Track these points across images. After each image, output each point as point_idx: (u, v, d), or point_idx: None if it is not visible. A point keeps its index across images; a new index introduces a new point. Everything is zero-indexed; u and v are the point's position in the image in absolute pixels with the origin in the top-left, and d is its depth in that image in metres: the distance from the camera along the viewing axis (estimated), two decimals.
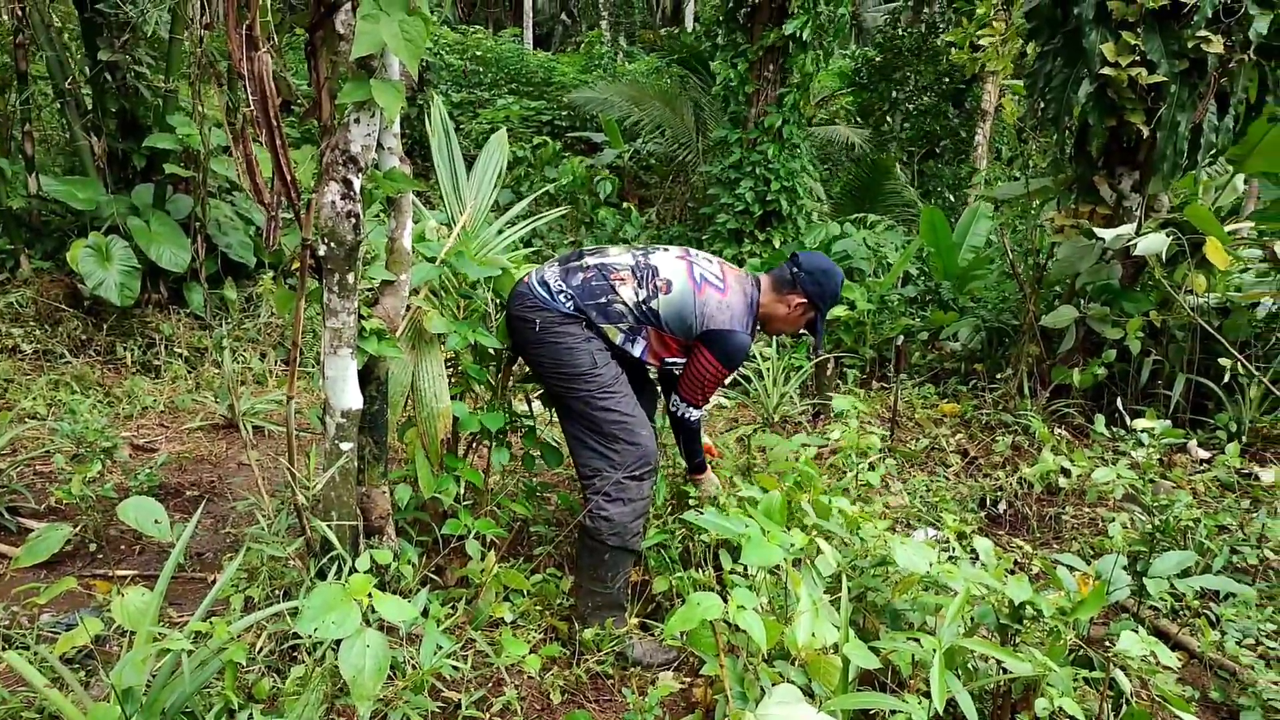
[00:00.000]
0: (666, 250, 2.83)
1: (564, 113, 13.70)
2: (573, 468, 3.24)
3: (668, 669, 2.57)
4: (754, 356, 4.98)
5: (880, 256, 7.17)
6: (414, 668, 2.14)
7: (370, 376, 2.53)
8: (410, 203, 2.58)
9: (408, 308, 2.73)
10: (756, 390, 4.92)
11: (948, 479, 4.03)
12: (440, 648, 2.05)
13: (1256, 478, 3.85)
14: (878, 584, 2.42)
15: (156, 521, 2.20)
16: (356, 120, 2.20)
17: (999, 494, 3.78)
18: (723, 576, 2.47)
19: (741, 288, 2.81)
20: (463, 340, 2.87)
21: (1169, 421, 3.51)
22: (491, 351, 3.08)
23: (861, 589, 2.44)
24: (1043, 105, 4.71)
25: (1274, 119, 4.56)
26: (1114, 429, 3.86)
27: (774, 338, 5.28)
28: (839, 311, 5.54)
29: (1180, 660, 2.77)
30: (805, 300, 2.82)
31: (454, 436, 3.22)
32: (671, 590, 2.71)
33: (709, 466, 3.13)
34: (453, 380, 3.11)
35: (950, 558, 2.66)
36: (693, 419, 2.89)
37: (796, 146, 8.19)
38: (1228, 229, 4.94)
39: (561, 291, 2.70)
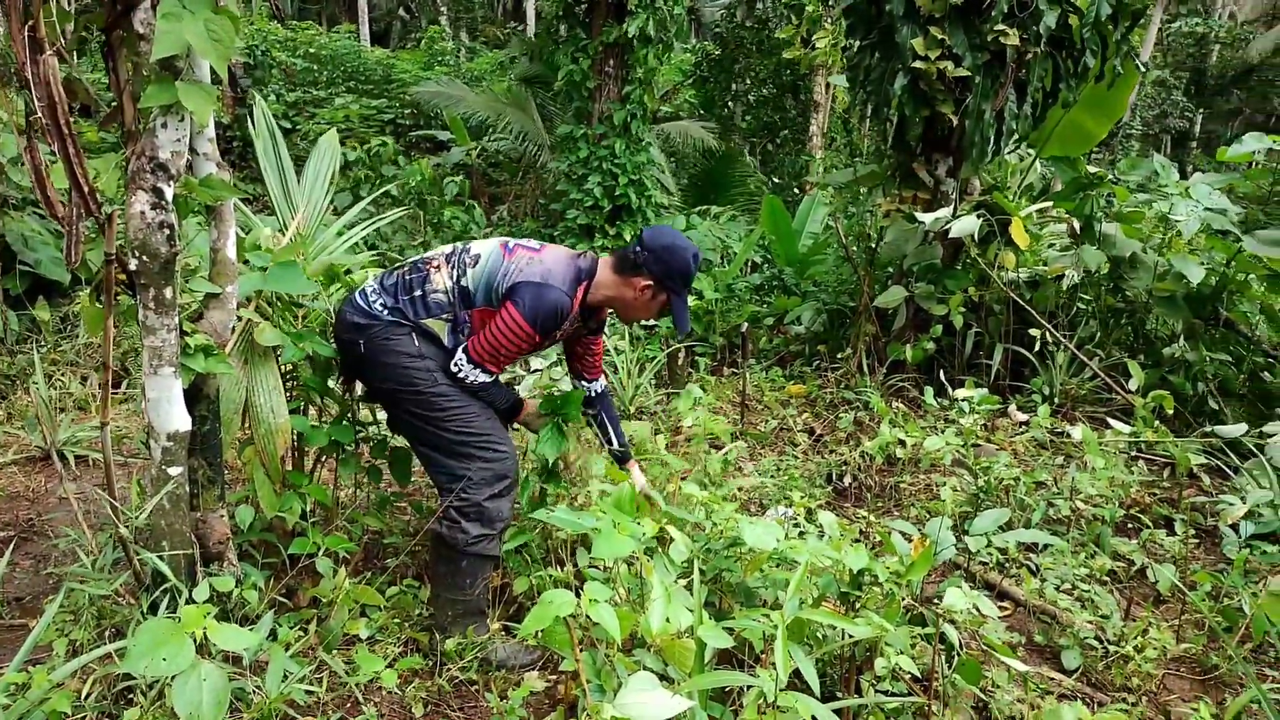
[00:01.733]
0: (489, 239, 2.71)
1: (406, 111, 13.36)
2: (425, 475, 3.17)
3: (533, 669, 2.57)
4: (610, 350, 5.02)
5: (726, 246, 7.39)
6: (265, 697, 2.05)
7: (199, 395, 2.39)
8: (232, 211, 2.45)
9: (238, 320, 2.60)
10: (612, 382, 4.97)
11: (797, 457, 4.20)
12: (289, 674, 1.97)
13: (1067, 435, 4.22)
14: (731, 564, 2.50)
15: None
16: (164, 125, 2.07)
17: (844, 468, 3.97)
18: (582, 571, 2.49)
19: (565, 255, 2.63)
20: (299, 352, 2.76)
21: (985, 390, 3.80)
22: (334, 361, 2.98)
23: (716, 570, 2.52)
24: (864, 97, 4.97)
25: (1066, 105, 4.99)
26: (941, 400, 4.13)
27: (630, 326, 5.30)
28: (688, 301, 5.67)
29: (1007, 609, 3.02)
30: (651, 282, 2.58)
31: (299, 451, 3.10)
32: (533, 590, 2.70)
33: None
34: (293, 394, 2.99)
35: (801, 533, 2.79)
36: (474, 381, 2.58)
37: (642, 140, 8.31)
38: (1035, 208, 5.38)
39: (378, 297, 2.60)
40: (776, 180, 11.67)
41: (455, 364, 2.57)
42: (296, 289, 2.76)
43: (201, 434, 2.39)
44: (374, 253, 7.49)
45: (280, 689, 1.93)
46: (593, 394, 3.01)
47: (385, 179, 9.32)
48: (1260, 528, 3.30)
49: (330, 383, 3.03)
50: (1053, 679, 2.57)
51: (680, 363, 5.29)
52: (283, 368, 2.94)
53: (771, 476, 3.85)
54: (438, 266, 2.61)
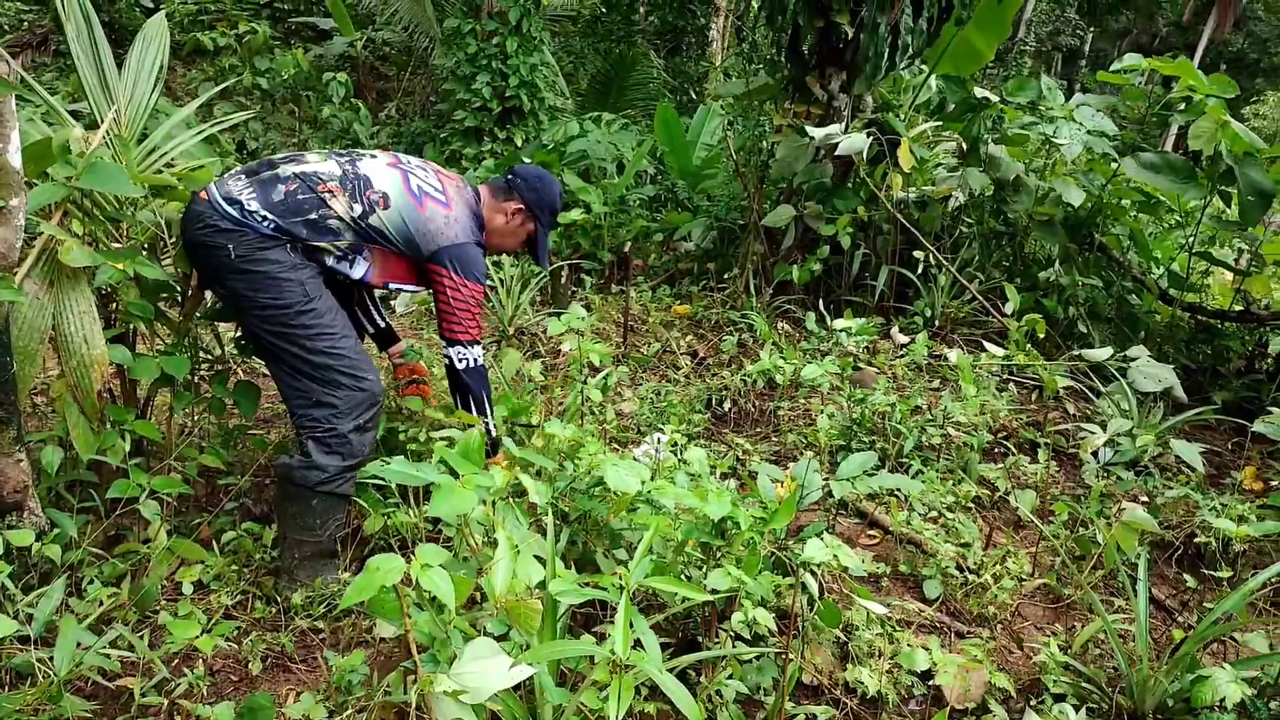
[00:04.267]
0: (374, 157, 2.59)
1: None
2: (275, 406, 2.94)
3: None
4: (490, 266, 4.77)
5: (621, 155, 7.08)
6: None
7: None
8: (13, 111, 2.09)
9: (32, 237, 2.27)
10: (492, 301, 4.74)
11: (678, 381, 4.11)
12: (84, 646, 1.76)
13: (945, 358, 4.25)
14: (596, 505, 2.39)
15: None
16: None
17: (723, 393, 3.90)
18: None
19: (462, 198, 2.67)
20: (118, 273, 2.45)
21: (863, 320, 3.76)
22: (172, 282, 2.67)
23: (582, 511, 2.40)
24: (759, 3, 4.72)
25: (960, 22, 4.87)
26: (821, 326, 4.08)
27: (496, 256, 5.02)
28: (575, 215, 5.43)
29: (876, 537, 3.04)
30: (522, 207, 2.73)
31: (131, 383, 2.80)
32: (387, 531, 2.53)
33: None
34: (114, 320, 2.68)
35: (679, 461, 2.69)
36: (475, 361, 2.63)
37: (535, 39, 7.83)
38: (924, 127, 5.30)
39: (257, 211, 2.36)
40: (682, 87, 11.28)
41: (458, 359, 2.61)
42: (117, 189, 2.45)
43: None
44: (239, 154, 6.90)
45: (74, 661, 1.72)
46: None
47: (257, 73, 8.56)
48: (1119, 456, 3.39)
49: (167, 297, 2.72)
50: (914, 610, 2.59)
51: (564, 280, 5.09)
52: (101, 290, 2.63)
53: (651, 402, 3.75)
54: (333, 192, 2.43)
